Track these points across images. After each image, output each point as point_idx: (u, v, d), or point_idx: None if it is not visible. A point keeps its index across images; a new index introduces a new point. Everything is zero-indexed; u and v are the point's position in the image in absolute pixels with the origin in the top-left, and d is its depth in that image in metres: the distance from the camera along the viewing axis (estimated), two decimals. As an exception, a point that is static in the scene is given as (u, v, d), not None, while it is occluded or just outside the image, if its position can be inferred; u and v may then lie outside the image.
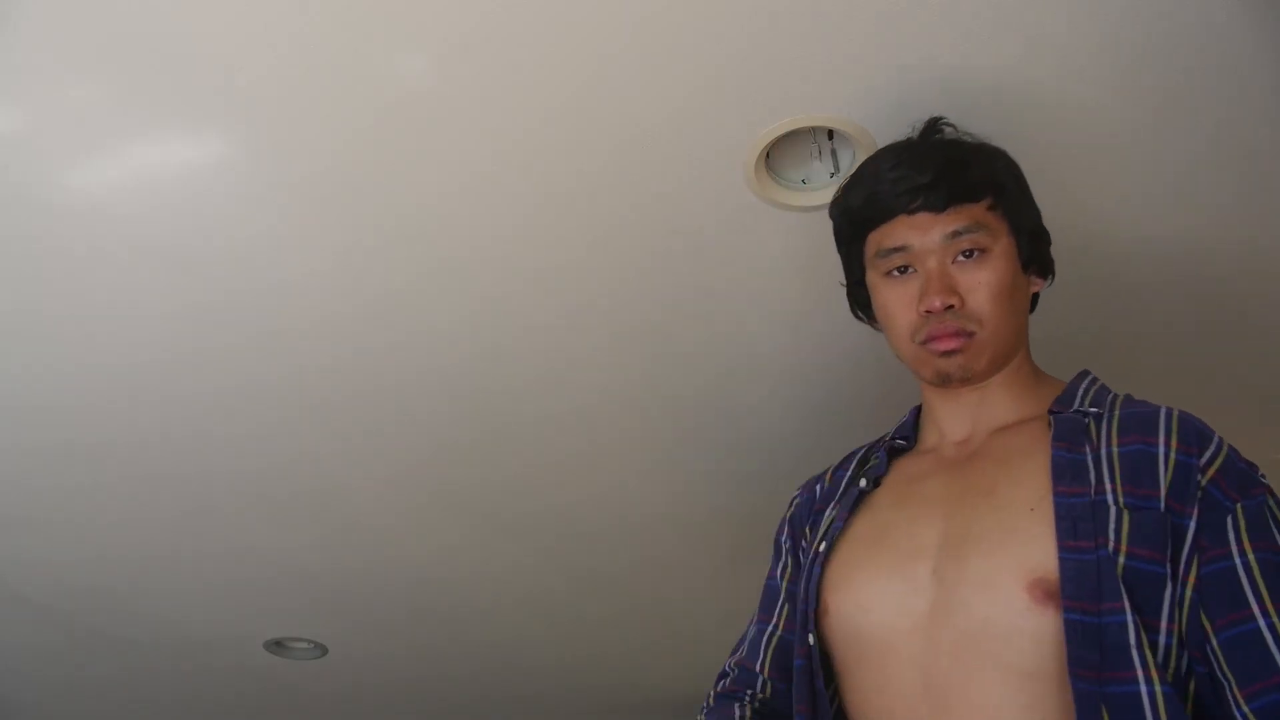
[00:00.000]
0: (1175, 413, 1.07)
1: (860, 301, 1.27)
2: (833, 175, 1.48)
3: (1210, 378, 1.79)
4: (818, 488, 1.32)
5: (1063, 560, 0.98)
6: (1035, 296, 1.23)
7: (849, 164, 1.46)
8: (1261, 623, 0.93)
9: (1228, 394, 1.82)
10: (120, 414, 1.91)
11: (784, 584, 1.30)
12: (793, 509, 1.34)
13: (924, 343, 1.15)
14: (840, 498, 1.24)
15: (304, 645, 2.82)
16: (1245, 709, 0.92)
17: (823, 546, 1.18)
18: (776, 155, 1.47)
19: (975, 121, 1.37)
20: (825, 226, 1.51)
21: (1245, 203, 1.48)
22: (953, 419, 1.20)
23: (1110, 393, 1.16)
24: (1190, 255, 1.57)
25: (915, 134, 1.24)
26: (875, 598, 1.10)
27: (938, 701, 1.02)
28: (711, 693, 1.32)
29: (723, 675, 1.33)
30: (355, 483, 2.12)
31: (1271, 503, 1.01)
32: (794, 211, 1.50)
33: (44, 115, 1.36)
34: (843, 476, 1.28)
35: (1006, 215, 1.17)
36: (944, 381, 1.16)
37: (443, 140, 1.41)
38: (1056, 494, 1.02)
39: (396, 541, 2.32)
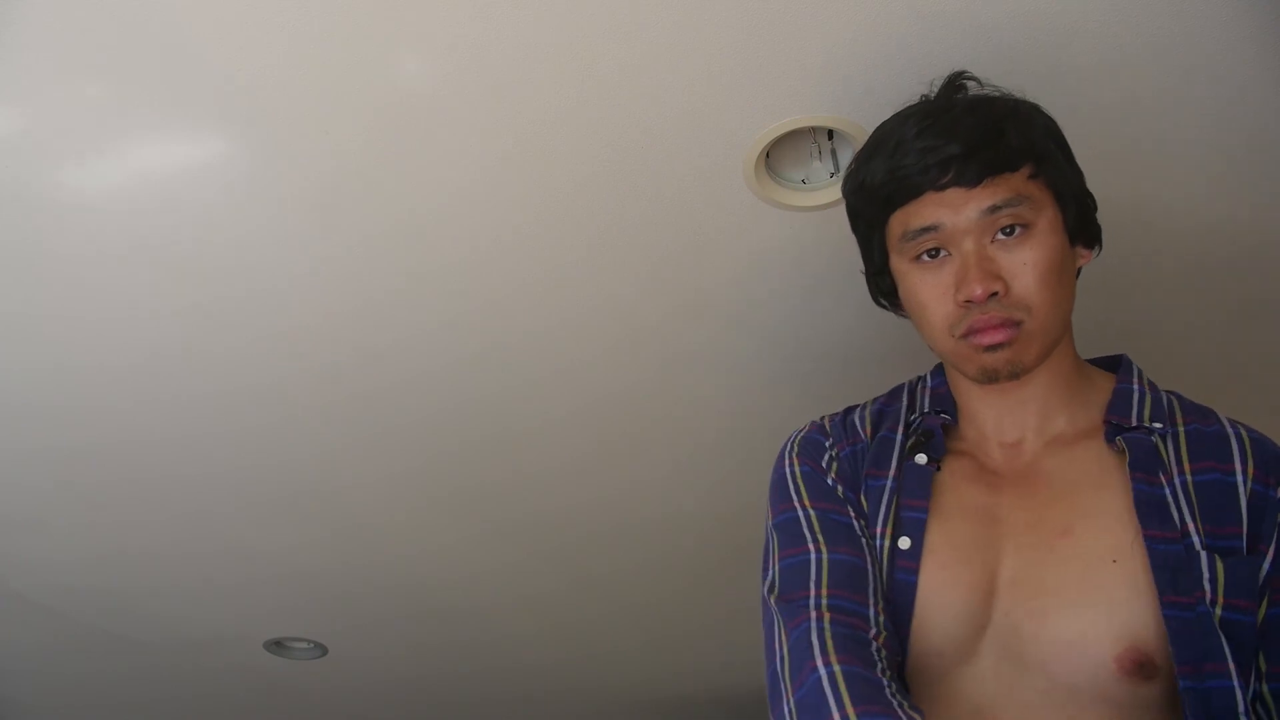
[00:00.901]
0: (1246, 434, 0.98)
1: (884, 290, 1.11)
2: (833, 175, 1.48)
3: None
4: (859, 443, 1.13)
5: (1168, 619, 0.88)
6: (1078, 271, 1.08)
7: (849, 164, 1.46)
8: None
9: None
10: (120, 414, 1.91)
11: (859, 526, 1.06)
12: (834, 461, 1.12)
13: (965, 336, 1.00)
14: (899, 472, 1.07)
15: (304, 645, 2.82)
16: None
17: (904, 543, 1.02)
18: (776, 155, 1.47)
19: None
20: (825, 226, 1.52)
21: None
22: (997, 415, 1.08)
23: (1161, 393, 1.06)
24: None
25: (933, 93, 1.09)
26: (949, 642, 0.98)
27: None
28: (816, 615, 1.00)
29: (803, 604, 1.01)
30: (356, 483, 2.12)
31: None
32: (794, 211, 1.50)
33: (43, 115, 1.36)
34: (890, 440, 1.11)
35: (1050, 183, 1.02)
36: (991, 379, 1.01)
37: (443, 141, 1.41)
38: (1148, 538, 0.92)
39: (396, 541, 2.32)
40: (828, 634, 0.97)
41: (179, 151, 1.43)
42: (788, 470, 1.13)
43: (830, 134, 1.45)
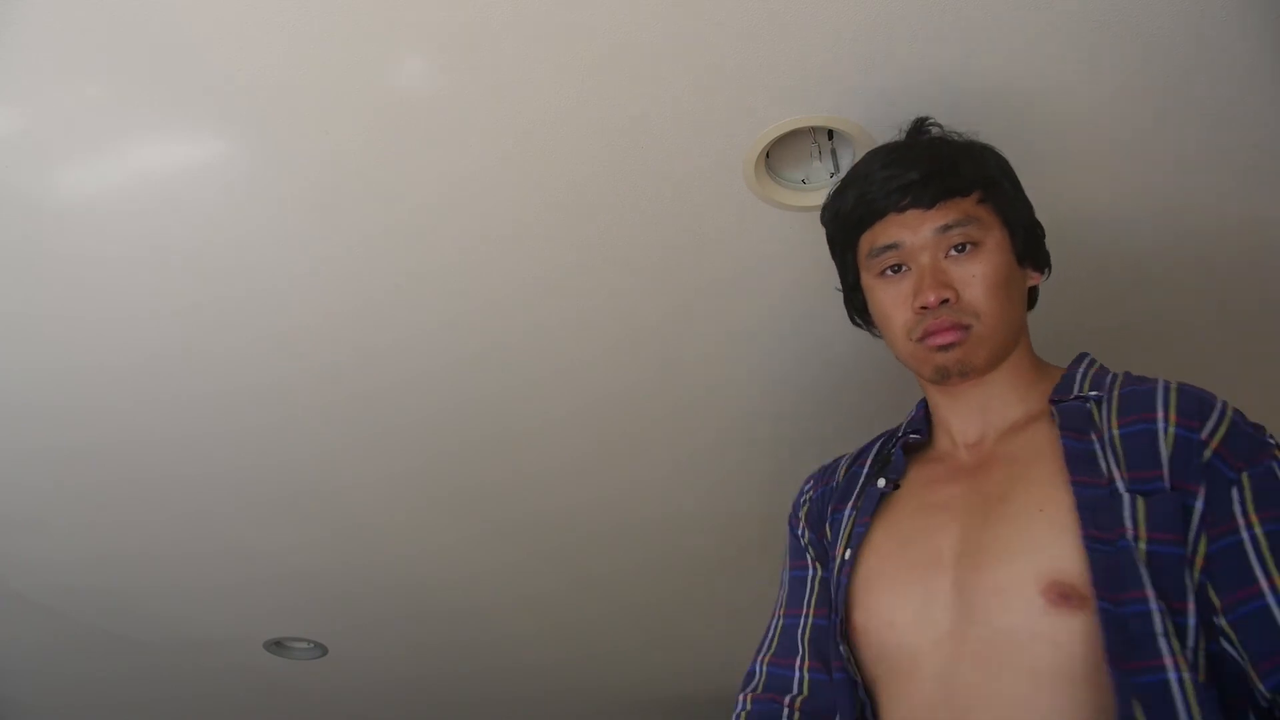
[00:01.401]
0: (1174, 385, 1.05)
1: (857, 306, 1.25)
2: (833, 175, 1.48)
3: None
4: (832, 484, 1.29)
5: (1090, 551, 0.97)
6: (1035, 291, 1.22)
7: (849, 164, 1.46)
8: (1271, 599, 0.92)
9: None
10: (120, 414, 1.91)
11: (812, 574, 1.26)
12: (806, 504, 1.31)
13: (921, 339, 1.13)
14: (858, 498, 1.22)
15: (304, 645, 2.82)
16: (1261, 687, 0.91)
17: (847, 554, 1.16)
18: (776, 155, 1.47)
19: (977, 120, 1.37)
20: (825, 226, 1.52)
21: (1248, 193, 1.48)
22: (961, 420, 1.18)
23: (1109, 373, 1.14)
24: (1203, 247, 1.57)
25: (903, 135, 1.24)
26: (899, 613, 1.09)
27: (958, 713, 1.01)
28: (744, 699, 1.26)
29: (751, 676, 1.28)
30: (356, 483, 2.12)
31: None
32: (794, 211, 1.50)
33: (44, 115, 1.36)
34: (858, 474, 1.26)
35: (998, 209, 1.15)
36: (944, 377, 1.13)
37: (442, 141, 1.41)
38: (1075, 484, 1.01)
39: (396, 542, 2.32)
40: (747, 703, 1.26)
41: (179, 151, 1.43)
42: (787, 527, 1.33)
43: (830, 134, 1.45)
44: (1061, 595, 0.98)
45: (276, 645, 2.81)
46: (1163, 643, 0.92)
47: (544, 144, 1.41)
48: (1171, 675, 0.91)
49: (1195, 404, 1.01)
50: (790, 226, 1.53)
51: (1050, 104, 1.35)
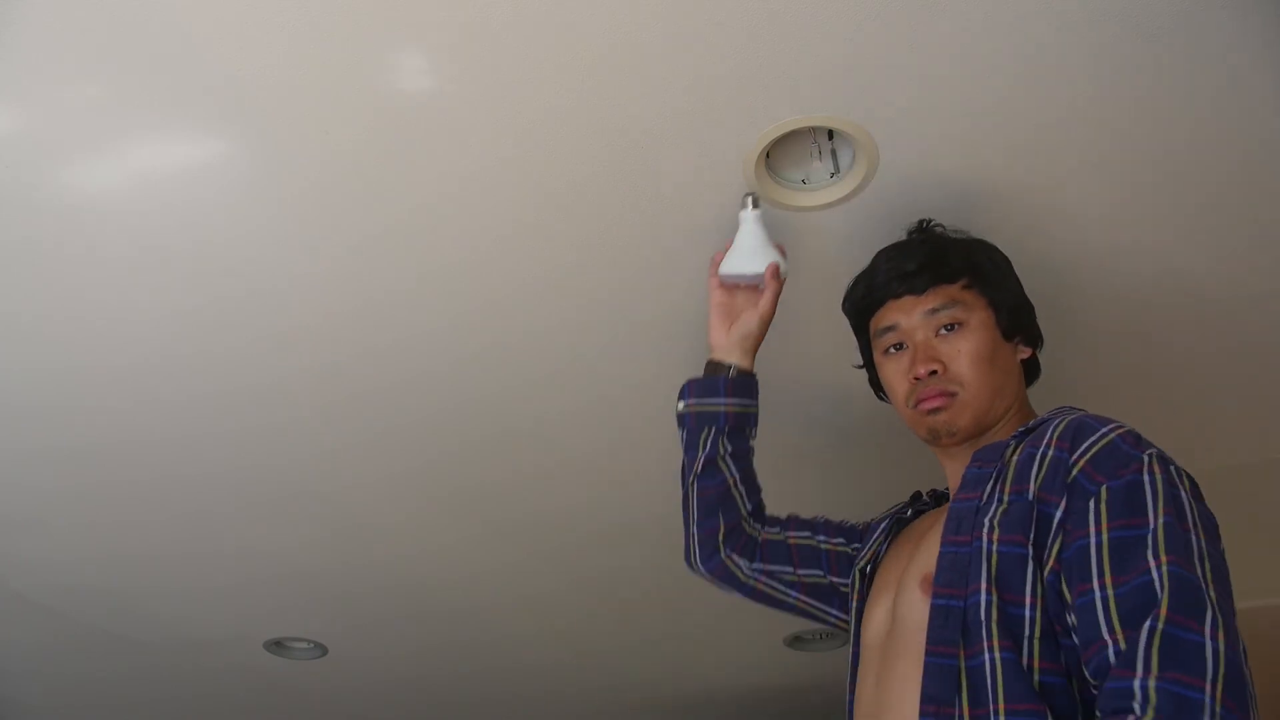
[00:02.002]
0: (1069, 419, 1.15)
1: (874, 380, 1.43)
2: (833, 175, 1.48)
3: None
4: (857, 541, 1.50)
5: (941, 554, 1.14)
6: (1035, 363, 1.37)
7: (849, 164, 1.47)
8: (1098, 594, 1.01)
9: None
10: (120, 414, 1.91)
11: (828, 538, 1.49)
12: (853, 539, 1.50)
13: (915, 405, 1.30)
14: (881, 529, 1.43)
15: (304, 645, 2.82)
16: (1086, 673, 1.01)
17: (869, 568, 1.38)
18: (776, 155, 1.47)
19: (976, 116, 1.37)
20: (825, 226, 1.53)
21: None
22: (954, 476, 1.32)
23: (1065, 416, 1.21)
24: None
25: (907, 234, 1.42)
26: (868, 624, 1.29)
27: (880, 700, 1.18)
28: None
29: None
30: (356, 483, 2.12)
31: (1150, 478, 1.06)
32: (794, 211, 1.50)
33: (44, 115, 1.36)
34: (877, 526, 1.45)
35: (983, 292, 1.32)
36: (935, 438, 1.29)
37: (442, 141, 1.41)
38: (954, 501, 1.18)
39: (396, 542, 2.32)
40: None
41: (179, 151, 1.43)
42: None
43: (830, 134, 1.46)
44: (927, 585, 1.15)
45: (276, 645, 2.81)
46: (984, 629, 1.06)
47: (544, 144, 1.41)
48: (986, 657, 1.05)
49: (1074, 431, 1.13)
50: (790, 226, 1.53)
51: (1049, 102, 1.36)
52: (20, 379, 1.82)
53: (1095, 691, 0.99)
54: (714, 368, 1.50)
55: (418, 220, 1.53)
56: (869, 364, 1.43)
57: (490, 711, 3.25)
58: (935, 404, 1.27)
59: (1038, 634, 1.05)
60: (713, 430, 1.49)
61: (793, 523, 1.52)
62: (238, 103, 1.35)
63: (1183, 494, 1.07)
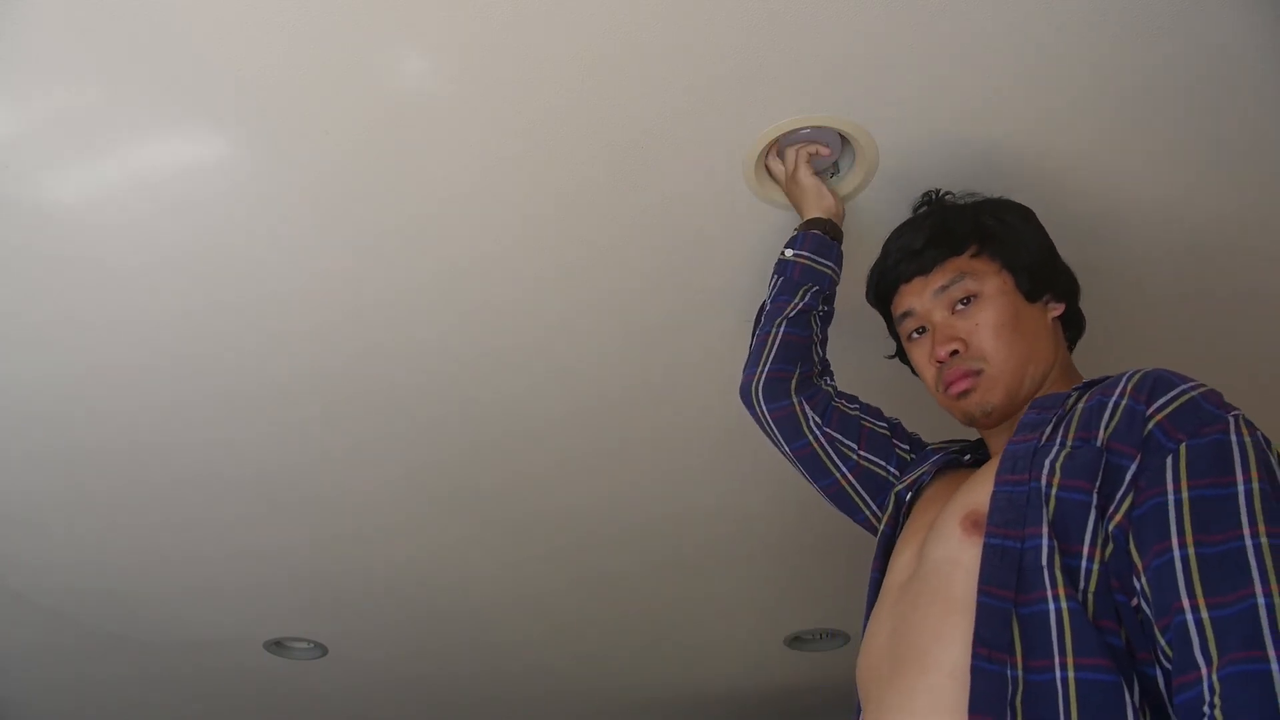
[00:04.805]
0: (1144, 370, 1.07)
1: (908, 363, 1.35)
2: (833, 175, 1.48)
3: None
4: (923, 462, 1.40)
5: (995, 493, 1.05)
6: (1074, 317, 1.28)
7: (849, 164, 1.47)
8: (1177, 554, 0.93)
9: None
10: (121, 416, 1.91)
11: (900, 441, 1.41)
12: (916, 454, 1.41)
13: (944, 390, 1.22)
14: (933, 460, 1.33)
15: (304, 645, 2.82)
16: (1162, 640, 0.94)
17: (909, 495, 1.27)
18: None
19: (976, 116, 1.37)
20: (825, 226, 1.52)
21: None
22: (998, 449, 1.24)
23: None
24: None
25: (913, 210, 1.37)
26: (895, 563, 1.20)
27: (896, 647, 1.08)
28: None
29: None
30: (356, 484, 2.12)
31: (1238, 438, 0.98)
32: (794, 211, 1.50)
33: (44, 117, 1.36)
34: (930, 455, 1.37)
35: (995, 255, 1.24)
36: (971, 421, 1.22)
37: (443, 142, 1.41)
38: (1010, 444, 1.09)
39: (397, 542, 2.32)
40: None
41: (179, 153, 1.43)
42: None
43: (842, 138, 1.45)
44: (974, 523, 1.07)
45: (276, 645, 2.81)
46: (1046, 575, 0.98)
47: (544, 144, 1.41)
48: (1050, 605, 0.97)
49: (1151, 383, 1.05)
50: (790, 226, 1.53)
51: (1050, 103, 1.36)
52: (22, 382, 1.82)
53: (1167, 663, 0.93)
54: (829, 227, 1.45)
55: (417, 222, 1.53)
56: (900, 350, 1.36)
57: (490, 711, 3.25)
58: (963, 386, 1.20)
59: (1093, 588, 0.98)
60: (815, 288, 1.43)
61: (869, 409, 1.45)
62: (238, 103, 1.35)
63: (1274, 460, 0.98)
